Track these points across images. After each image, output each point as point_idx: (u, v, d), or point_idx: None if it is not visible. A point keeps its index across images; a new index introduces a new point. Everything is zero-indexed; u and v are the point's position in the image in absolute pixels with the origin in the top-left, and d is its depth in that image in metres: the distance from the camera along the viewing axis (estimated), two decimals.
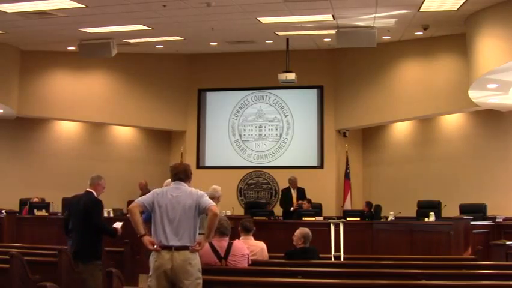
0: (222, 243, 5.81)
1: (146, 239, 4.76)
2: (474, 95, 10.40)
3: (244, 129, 14.46)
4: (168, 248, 4.73)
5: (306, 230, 6.92)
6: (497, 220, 9.91)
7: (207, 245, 5.67)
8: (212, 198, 5.66)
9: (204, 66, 14.45)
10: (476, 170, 12.02)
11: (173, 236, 4.77)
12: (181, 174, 5.05)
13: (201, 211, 4.88)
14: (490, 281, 5.51)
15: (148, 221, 5.04)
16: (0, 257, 6.48)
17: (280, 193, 12.76)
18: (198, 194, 4.92)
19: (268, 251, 6.74)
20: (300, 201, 11.74)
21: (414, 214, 10.99)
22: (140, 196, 5.31)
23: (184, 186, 4.98)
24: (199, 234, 4.95)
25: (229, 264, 5.75)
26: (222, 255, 5.75)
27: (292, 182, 12.07)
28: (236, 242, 6.01)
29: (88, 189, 6.37)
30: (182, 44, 12.52)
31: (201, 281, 4.84)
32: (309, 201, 12.09)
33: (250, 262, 5.99)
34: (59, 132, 14.03)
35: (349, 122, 13.79)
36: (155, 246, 4.74)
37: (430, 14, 9.79)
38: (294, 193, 12.02)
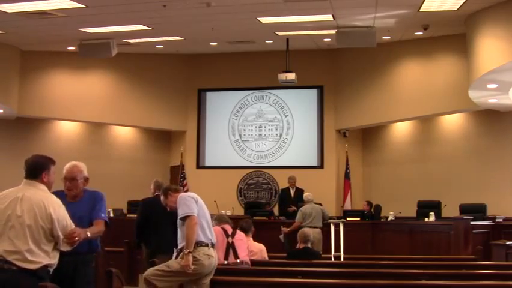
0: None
1: (191, 259, 4.92)
2: (474, 95, 10.40)
3: (244, 129, 14.45)
4: (212, 245, 5.13)
5: (309, 230, 6.93)
6: (497, 220, 9.92)
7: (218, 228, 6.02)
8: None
9: (204, 66, 14.44)
10: (476, 170, 12.01)
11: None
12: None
13: None
14: (490, 281, 5.52)
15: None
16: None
17: (280, 192, 12.78)
18: None
19: (268, 251, 6.74)
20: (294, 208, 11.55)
21: (414, 214, 10.99)
22: None
23: None
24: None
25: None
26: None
27: (292, 180, 12.13)
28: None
29: (158, 193, 7.01)
30: (182, 44, 12.51)
31: None
32: None
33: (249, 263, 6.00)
34: (59, 132, 14.01)
35: (349, 122, 13.78)
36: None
37: (430, 14, 9.78)
38: (292, 192, 12.05)
